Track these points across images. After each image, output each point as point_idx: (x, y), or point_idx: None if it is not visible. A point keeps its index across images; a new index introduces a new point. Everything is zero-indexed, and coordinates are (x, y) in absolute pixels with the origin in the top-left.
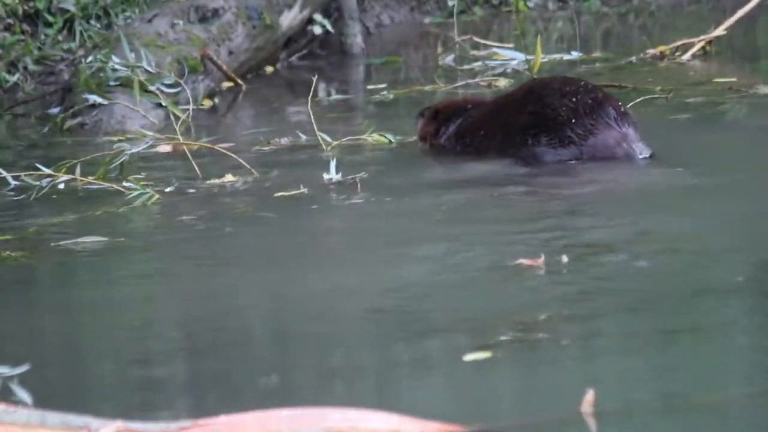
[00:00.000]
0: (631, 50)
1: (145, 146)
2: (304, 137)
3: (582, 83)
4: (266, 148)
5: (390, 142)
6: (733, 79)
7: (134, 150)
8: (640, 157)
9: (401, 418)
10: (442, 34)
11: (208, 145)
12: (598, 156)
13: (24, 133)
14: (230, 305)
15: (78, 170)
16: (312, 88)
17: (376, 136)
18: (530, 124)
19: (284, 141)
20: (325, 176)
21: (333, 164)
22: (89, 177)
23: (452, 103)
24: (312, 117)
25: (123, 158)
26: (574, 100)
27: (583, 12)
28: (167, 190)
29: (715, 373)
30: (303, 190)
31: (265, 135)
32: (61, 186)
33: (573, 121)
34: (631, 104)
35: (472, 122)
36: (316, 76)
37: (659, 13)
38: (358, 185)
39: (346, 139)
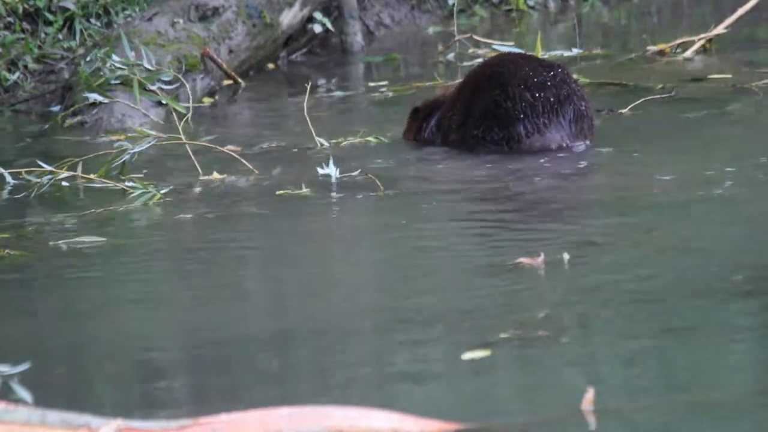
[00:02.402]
0: (632, 48)
1: (147, 145)
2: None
3: (551, 73)
4: (264, 146)
5: (380, 140)
6: (729, 76)
7: (137, 149)
8: (574, 149)
9: (401, 416)
10: (442, 32)
11: (227, 149)
12: (531, 150)
13: (24, 131)
14: (231, 304)
15: (80, 168)
16: (307, 93)
17: (371, 138)
18: (487, 114)
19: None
20: (321, 171)
21: (331, 163)
22: (91, 175)
23: (431, 100)
24: (308, 120)
25: (125, 157)
26: (537, 95)
27: (583, 11)
28: (168, 188)
29: (715, 372)
30: (304, 189)
31: (265, 133)
32: (65, 183)
33: (529, 117)
34: (634, 104)
35: (444, 113)
36: (309, 84)
37: (660, 14)
38: (380, 184)
39: (341, 140)
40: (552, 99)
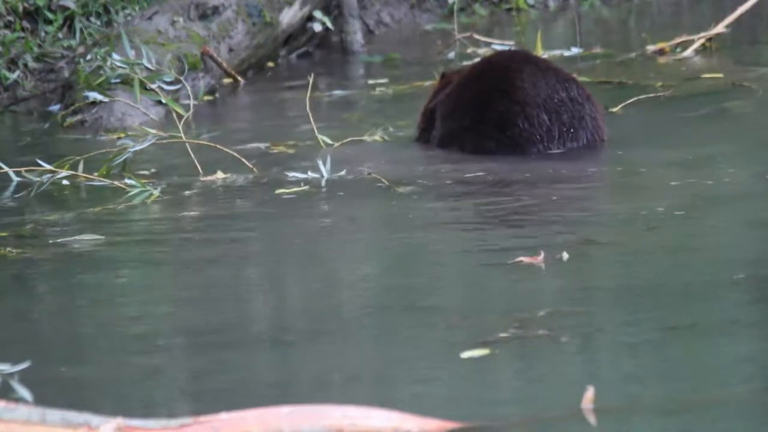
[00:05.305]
0: (631, 47)
1: (148, 143)
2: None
3: (568, 91)
4: (264, 145)
5: (380, 139)
6: (727, 75)
7: (138, 147)
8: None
9: (401, 415)
10: (442, 31)
11: (227, 148)
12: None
13: (24, 130)
14: (230, 302)
15: (81, 166)
16: (309, 88)
17: (371, 137)
18: (503, 130)
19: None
20: (315, 174)
21: (328, 163)
22: (94, 173)
23: (457, 71)
24: (311, 117)
25: (127, 155)
26: (556, 119)
27: (583, 9)
28: (168, 187)
29: (715, 370)
30: (304, 188)
31: (265, 132)
32: (66, 182)
33: (545, 142)
34: (625, 102)
35: (442, 106)
36: (311, 77)
37: (660, 12)
38: (385, 182)
39: (342, 139)
40: (570, 122)
